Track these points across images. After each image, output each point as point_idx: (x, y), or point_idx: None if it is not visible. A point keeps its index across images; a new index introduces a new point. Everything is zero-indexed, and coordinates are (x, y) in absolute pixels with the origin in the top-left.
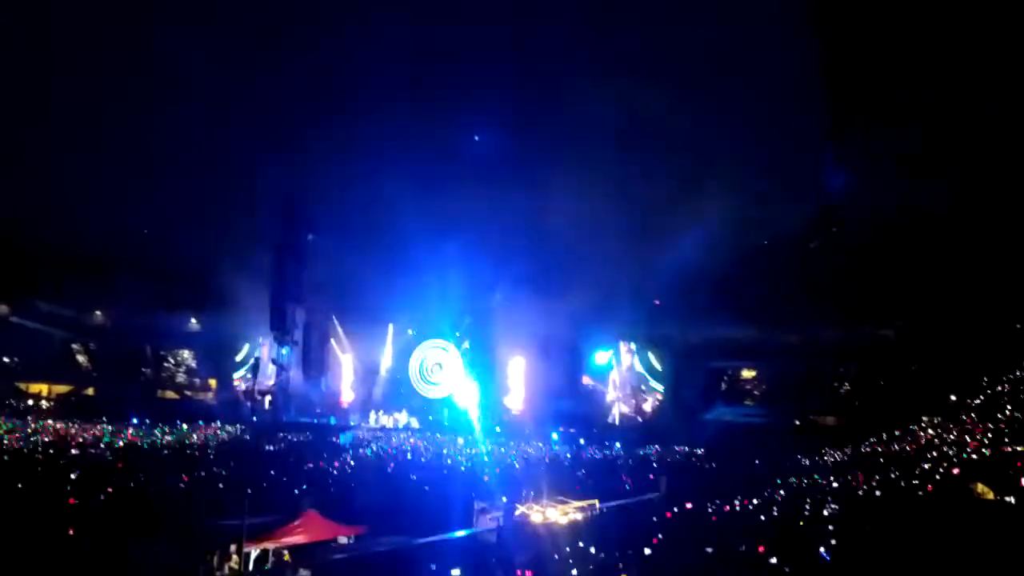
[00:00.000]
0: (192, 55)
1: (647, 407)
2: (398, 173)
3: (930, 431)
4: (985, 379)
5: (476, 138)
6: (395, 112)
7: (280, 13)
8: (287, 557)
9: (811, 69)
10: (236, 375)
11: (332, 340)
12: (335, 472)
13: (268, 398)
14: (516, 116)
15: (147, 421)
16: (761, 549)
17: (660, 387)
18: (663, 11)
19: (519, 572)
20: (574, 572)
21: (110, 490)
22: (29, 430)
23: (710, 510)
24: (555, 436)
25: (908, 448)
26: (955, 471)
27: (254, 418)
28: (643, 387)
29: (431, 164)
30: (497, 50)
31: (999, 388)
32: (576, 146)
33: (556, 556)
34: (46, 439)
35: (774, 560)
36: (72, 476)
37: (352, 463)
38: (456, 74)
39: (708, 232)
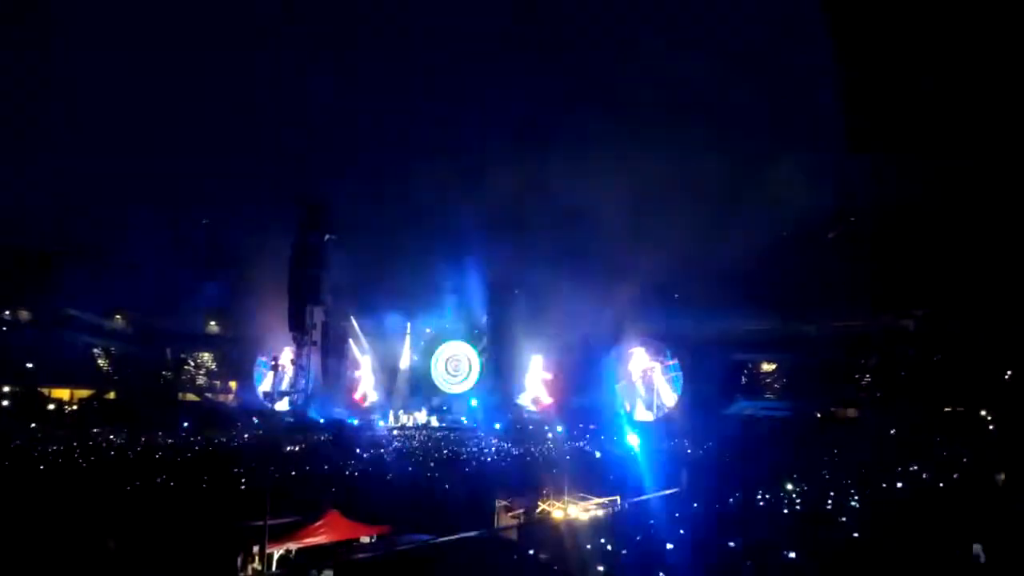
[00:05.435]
0: (209, 58)
1: (668, 402)
2: (415, 174)
3: (953, 422)
4: (1008, 370)
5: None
6: (414, 111)
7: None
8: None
9: (829, 60)
10: (256, 377)
11: (351, 340)
12: (356, 472)
13: (288, 399)
14: (528, 117)
15: (168, 424)
16: (783, 543)
17: (680, 382)
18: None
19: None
20: (597, 569)
21: (133, 492)
22: (53, 435)
23: (732, 504)
24: (575, 432)
25: (930, 439)
26: (979, 462)
27: (275, 419)
28: (663, 382)
29: (449, 163)
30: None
31: (1022, 377)
32: (595, 144)
33: (578, 553)
34: (70, 443)
35: (794, 555)
36: (95, 479)
37: (373, 462)
38: (475, 71)
39: (727, 226)
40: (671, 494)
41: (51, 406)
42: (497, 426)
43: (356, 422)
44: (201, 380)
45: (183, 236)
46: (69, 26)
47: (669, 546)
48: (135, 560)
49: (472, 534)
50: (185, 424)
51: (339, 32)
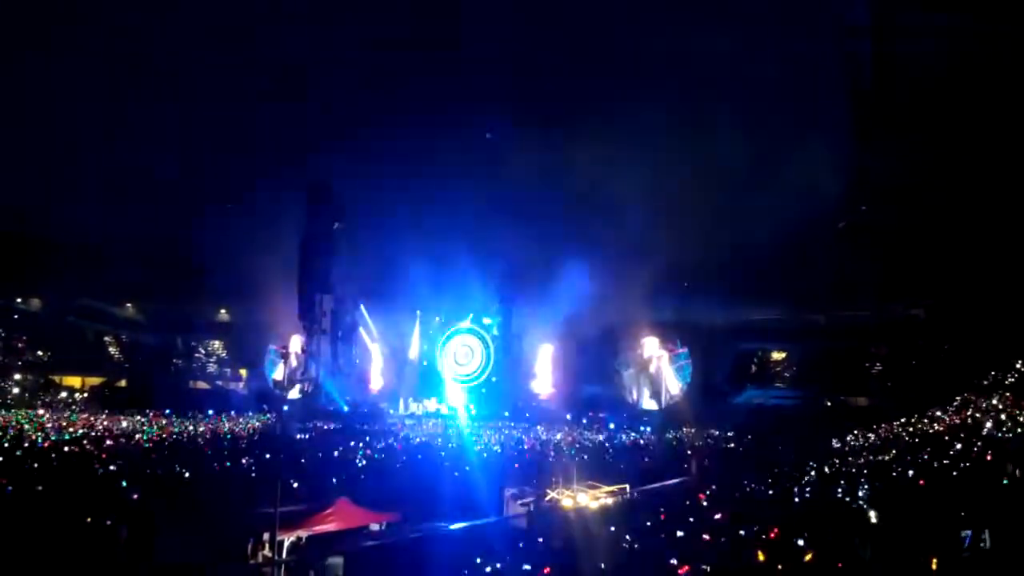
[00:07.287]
0: (213, 49)
1: (677, 390)
2: (425, 159)
3: (963, 411)
4: (1020, 359)
5: (488, 135)
6: (421, 97)
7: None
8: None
9: (840, 48)
10: (267, 364)
11: (361, 328)
12: (366, 460)
13: (298, 387)
14: (539, 102)
15: (179, 411)
16: (793, 532)
17: (690, 370)
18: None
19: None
20: (607, 556)
21: (144, 481)
22: (64, 422)
23: (741, 494)
24: (585, 421)
25: (941, 429)
26: (989, 451)
27: (285, 407)
28: (671, 371)
29: (458, 150)
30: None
31: None
32: (603, 130)
33: (587, 540)
34: (80, 431)
35: (803, 543)
36: (106, 467)
37: (383, 451)
38: (483, 54)
39: (737, 214)
40: (681, 482)
41: (63, 394)
42: (506, 414)
43: (366, 410)
44: (212, 368)
45: (193, 224)
46: (72, 18)
47: (679, 533)
48: (146, 548)
49: (481, 522)
50: (195, 411)
51: (347, 17)
